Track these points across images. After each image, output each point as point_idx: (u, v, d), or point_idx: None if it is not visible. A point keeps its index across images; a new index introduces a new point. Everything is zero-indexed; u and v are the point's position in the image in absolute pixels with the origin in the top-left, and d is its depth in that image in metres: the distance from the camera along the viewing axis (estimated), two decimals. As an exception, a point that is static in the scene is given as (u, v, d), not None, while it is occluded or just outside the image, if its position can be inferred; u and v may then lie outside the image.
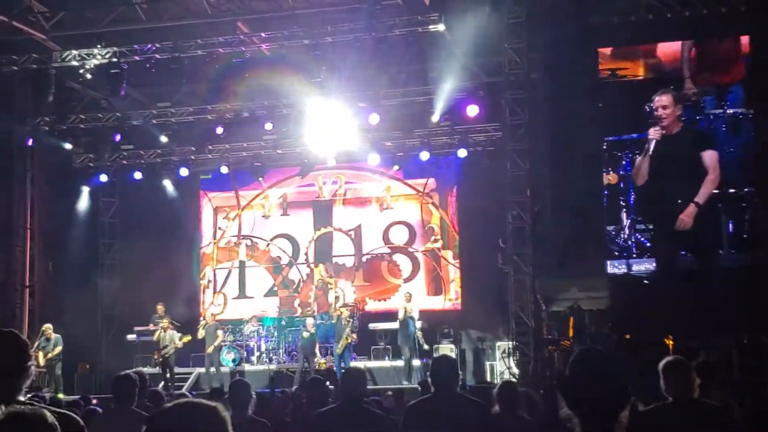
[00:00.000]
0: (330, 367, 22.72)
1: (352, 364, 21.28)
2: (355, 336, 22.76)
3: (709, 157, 17.67)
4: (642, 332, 18.44)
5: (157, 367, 23.18)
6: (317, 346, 23.49)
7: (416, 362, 22.59)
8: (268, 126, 24.72)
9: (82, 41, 22.01)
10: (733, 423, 6.76)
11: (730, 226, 19.18)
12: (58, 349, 22.51)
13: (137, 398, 8.40)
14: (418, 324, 23.21)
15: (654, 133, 16.93)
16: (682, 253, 18.52)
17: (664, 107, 19.02)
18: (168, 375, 22.89)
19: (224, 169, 26.73)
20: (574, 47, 19.96)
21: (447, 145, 26.04)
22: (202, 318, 26.31)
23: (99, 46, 21.73)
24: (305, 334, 23.31)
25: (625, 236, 20.07)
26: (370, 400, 9.99)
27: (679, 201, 17.47)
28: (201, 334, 23.54)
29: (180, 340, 23.04)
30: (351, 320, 22.80)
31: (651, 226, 19.43)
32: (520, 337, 19.76)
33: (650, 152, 16.93)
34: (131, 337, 25.54)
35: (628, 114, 19.77)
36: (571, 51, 20.08)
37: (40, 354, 22.55)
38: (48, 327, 22.72)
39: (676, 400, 6.51)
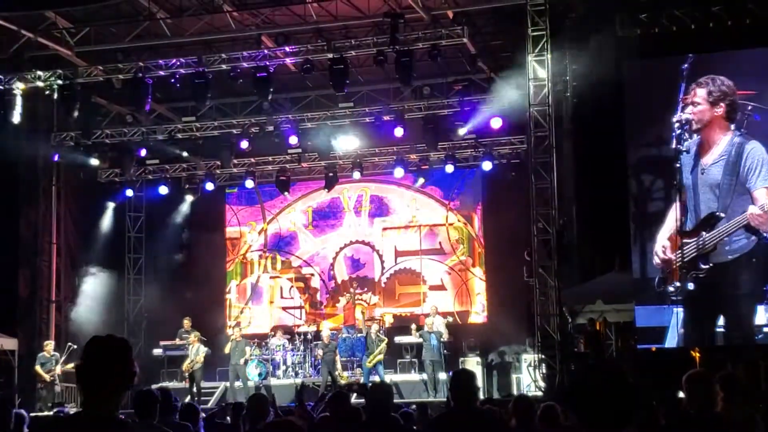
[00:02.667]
0: (358, 381, 22.63)
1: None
2: (384, 350, 22.79)
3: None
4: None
5: (184, 381, 23.26)
6: (338, 358, 23.44)
7: (442, 375, 22.46)
8: (293, 140, 24.76)
9: (107, 57, 22.17)
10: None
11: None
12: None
13: (159, 414, 8.37)
14: (445, 338, 23.14)
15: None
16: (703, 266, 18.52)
17: (695, 103, 18.81)
18: (194, 389, 22.93)
19: (249, 183, 26.75)
20: (599, 59, 19.90)
21: (472, 157, 26.01)
22: (229, 329, 26.39)
23: (123, 61, 21.87)
24: (323, 352, 23.24)
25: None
26: (402, 413, 10.02)
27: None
28: (228, 348, 23.50)
29: (203, 353, 23.10)
30: (381, 335, 22.83)
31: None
32: (546, 350, 19.64)
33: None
34: (157, 351, 25.57)
35: (656, 128, 19.66)
36: (595, 63, 20.03)
37: (57, 369, 22.70)
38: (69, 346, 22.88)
39: (698, 413, 6.42)
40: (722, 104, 18.53)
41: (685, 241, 18.67)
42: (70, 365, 22.56)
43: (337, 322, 26.57)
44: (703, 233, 18.45)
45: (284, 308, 27.90)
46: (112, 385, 3.81)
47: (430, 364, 22.47)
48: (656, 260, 19.04)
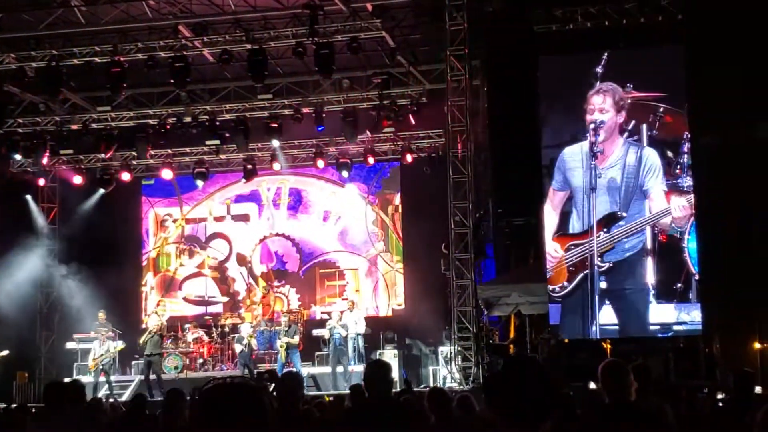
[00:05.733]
0: (273, 370, 22.58)
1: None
2: (296, 340, 22.76)
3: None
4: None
5: (92, 376, 22.89)
6: (254, 353, 23.39)
7: (339, 369, 22.59)
8: (211, 132, 24.47)
9: (19, 44, 21.71)
10: (668, 427, 6.80)
11: (665, 238, 19.43)
12: None
13: (73, 406, 8.29)
14: (362, 330, 23.23)
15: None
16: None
17: (602, 110, 19.39)
18: (107, 384, 22.64)
19: (167, 174, 26.47)
20: (515, 55, 20.12)
21: (391, 151, 26.12)
22: (144, 322, 26.15)
23: (37, 49, 21.44)
24: (241, 345, 23.16)
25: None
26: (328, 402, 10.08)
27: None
28: (143, 341, 23.24)
29: (115, 348, 22.88)
30: (290, 326, 22.82)
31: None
32: (462, 341, 19.82)
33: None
34: (71, 345, 25.20)
35: (570, 127, 19.95)
36: (512, 58, 20.25)
37: None
38: None
39: (613, 403, 6.52)
40: (623, 112, 19.18)
41: (578, 242, 19.19)
42: None
43: (252, 314, 26.48)
44: (601, 233, 19.01)
45: (201, 301, 27.69)
46: None
47: (334, 356, 22.61)
48: (549, 263, 19.53)
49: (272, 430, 3.12)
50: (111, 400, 18.03)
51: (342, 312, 23.59)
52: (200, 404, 3.19)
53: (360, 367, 22.28)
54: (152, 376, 23.00)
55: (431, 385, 21.31)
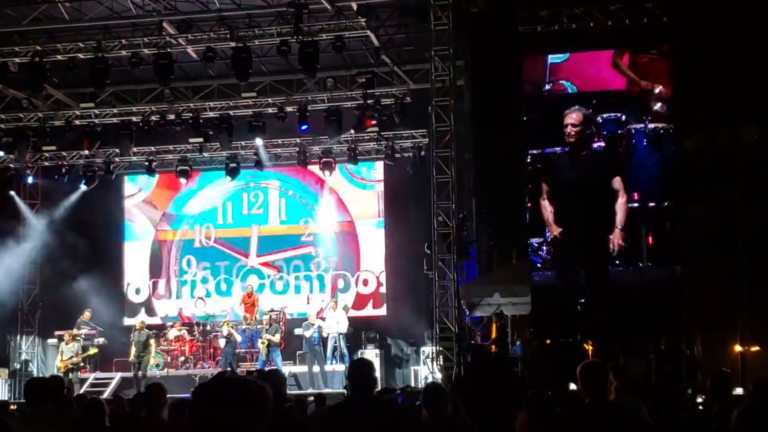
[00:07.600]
0: (262, 369, 22.61)
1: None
2: (277, 338, 22.83)
3: (618, 182, 18.55)
4: (562, 337, 18.74)
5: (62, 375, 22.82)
6: (236, 350, 23.43)
7: (316, 368, 22.67)
8: (194, 130, 24.43)
9: (2, 39, 21.61)
10: (648, 426, 6.81)
11: (650, 239, 19.48)
12: None
13: (52, 402, 8.29)
14: (344, 329, 23.27)
15: None
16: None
17: (574, 125, 19.85)
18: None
19: (151, 172, 26.41)
20: (500, 55, 20.14)
21: (374, 150, 26.11)
22: (129, 320, 26.09)
23: (20, 44, 21.35)
24: (223, 338, 23.27)
25: (547, 249, 20.27)
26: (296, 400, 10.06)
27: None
28: (132, 339, 23.23)
29: (87, 352, 22.95)
30: (271, 324, 22.84)
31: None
32: (444, 342, 19.81)
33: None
34: (52, 341, 25.13)
35: (552, 128, 19.99)
36: (496, 59, 20.27)
37: None
38: None
39: (592, 402, 6.54)
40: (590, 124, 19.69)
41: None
42: None
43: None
44: None
45: (183, 299, 27.63)
46: None
47: (310, 355, 22.65)
48: None
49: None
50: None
51: (322, 310, 23.61)
52: (197, 398, 3.17)
53: (341, 367, 22.34)
54: (139, 374, 23.07)
55: (412, 385, 21.34)
